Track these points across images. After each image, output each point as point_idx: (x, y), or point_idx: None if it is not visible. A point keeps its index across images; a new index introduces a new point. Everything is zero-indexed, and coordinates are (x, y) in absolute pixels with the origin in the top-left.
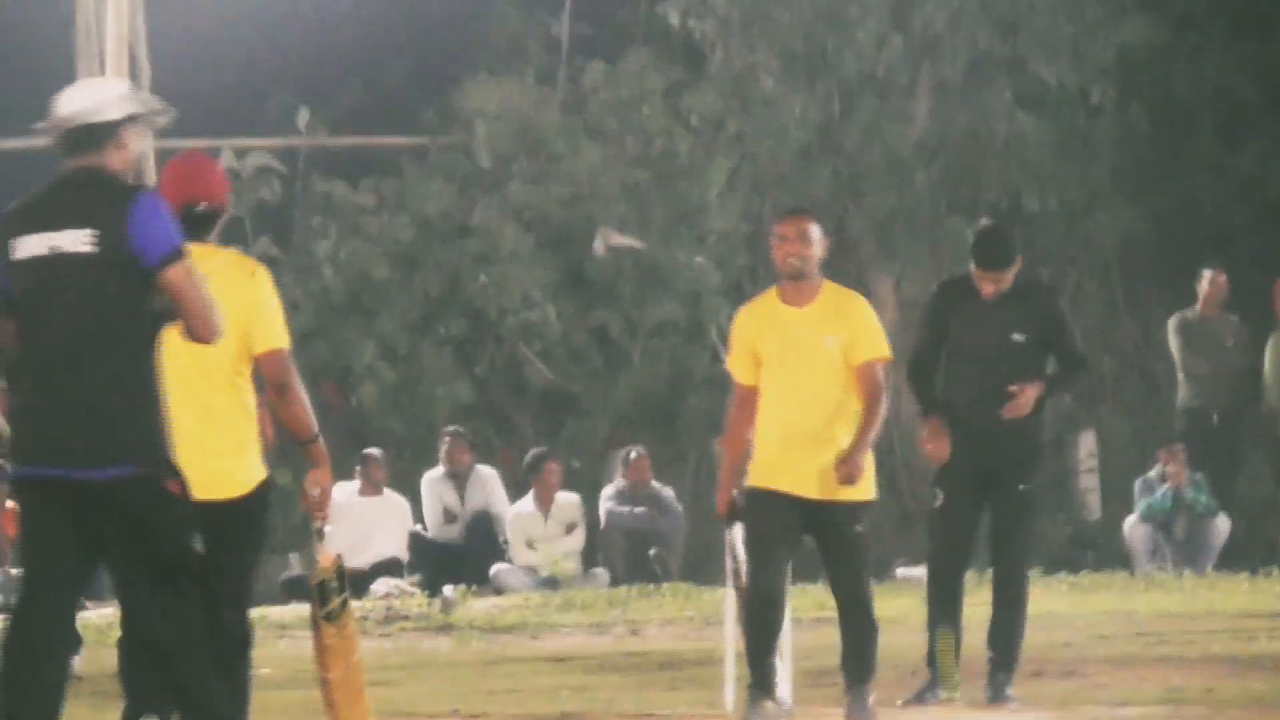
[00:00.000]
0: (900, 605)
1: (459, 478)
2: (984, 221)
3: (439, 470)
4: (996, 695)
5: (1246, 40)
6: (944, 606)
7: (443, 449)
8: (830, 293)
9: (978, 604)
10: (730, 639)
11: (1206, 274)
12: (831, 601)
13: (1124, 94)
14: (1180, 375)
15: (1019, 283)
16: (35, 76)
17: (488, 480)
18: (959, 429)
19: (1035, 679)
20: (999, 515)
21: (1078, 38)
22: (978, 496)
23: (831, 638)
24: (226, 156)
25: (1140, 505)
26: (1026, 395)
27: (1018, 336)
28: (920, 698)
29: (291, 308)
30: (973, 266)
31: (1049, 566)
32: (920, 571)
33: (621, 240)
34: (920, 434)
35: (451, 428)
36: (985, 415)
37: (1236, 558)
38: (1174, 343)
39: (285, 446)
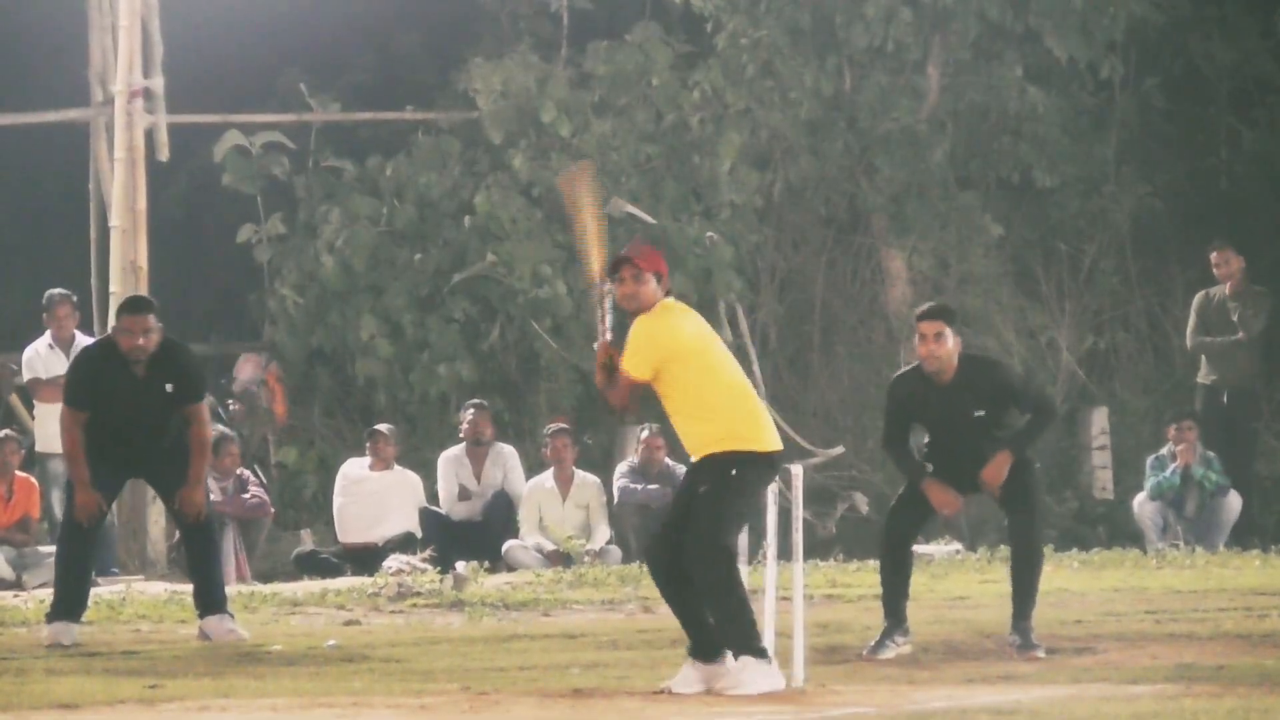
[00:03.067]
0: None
1: (480, 450)
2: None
3: (457, 448)
4: (1025, 643)
5: (1260, 13)
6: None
7: (465, 421)
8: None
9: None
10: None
11: (1213, 254)
12: (842, 579)
13: (1137, 68)
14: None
15: (964, 363)
16: (49, 52)
17: (508, 458)
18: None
19: (1046, 656)
20: (1004, 494)
21: (1088, 12)
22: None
23: (841, 614)
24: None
25: (1149, 482)
26: (1000, 465)
27: (979, 413)
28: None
29: (300, 284)
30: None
31: (1060, 544)
32: (930, 549)
33: (631, 209)
34: (929, 497)
35: (474, 400)
36: (968, 480)
37: (1249, 535)
38: (1191, 320)
39: (293, 425)
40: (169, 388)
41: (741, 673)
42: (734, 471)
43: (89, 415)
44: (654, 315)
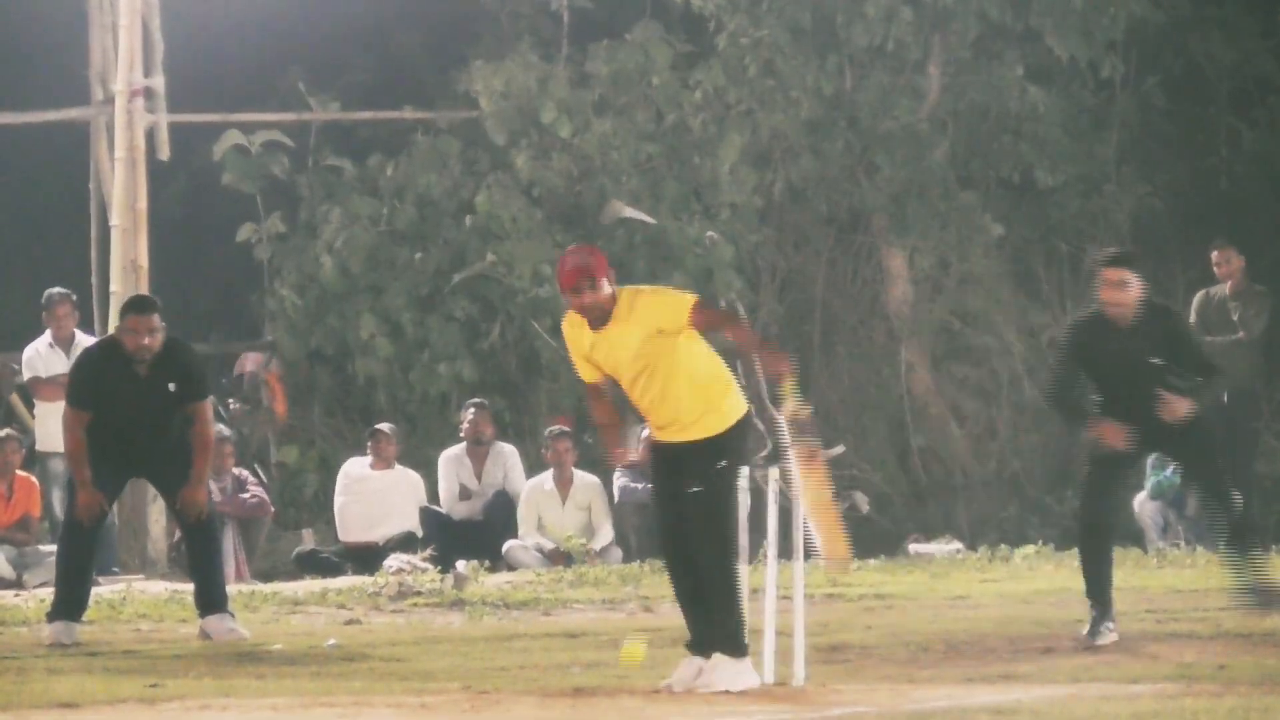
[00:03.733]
0: (912, 581)
1: (481, 449)
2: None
3: (458, 447)
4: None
5: (1260, 13)
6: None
7: (466, 420)
8: None
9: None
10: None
11: (1214, 253)
12: (843, 579)
13: (1138, 68)
14: None
15: (1144, 308)
16: (49, 51)
17: (509, 458)
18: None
19: (1047, 655)
20: (1180, 453)
21: (1088, 11)
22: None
23: (841, 614)
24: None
25: (1150, 482)
26: (1179, 403)
27: (1156, 360)
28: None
29: (300, 283)
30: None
31: (1061, 543)
32: (932, 548)
33: (630, 212)
34: (1100, 433)
35: (475, 400)
36: (1139, 431)
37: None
38: (1191, 320)
39: (293, 424)
40: (172, 387)
41: (716, 670)
42: (723, 464)
43: (92, 415)
44: (642, 291)
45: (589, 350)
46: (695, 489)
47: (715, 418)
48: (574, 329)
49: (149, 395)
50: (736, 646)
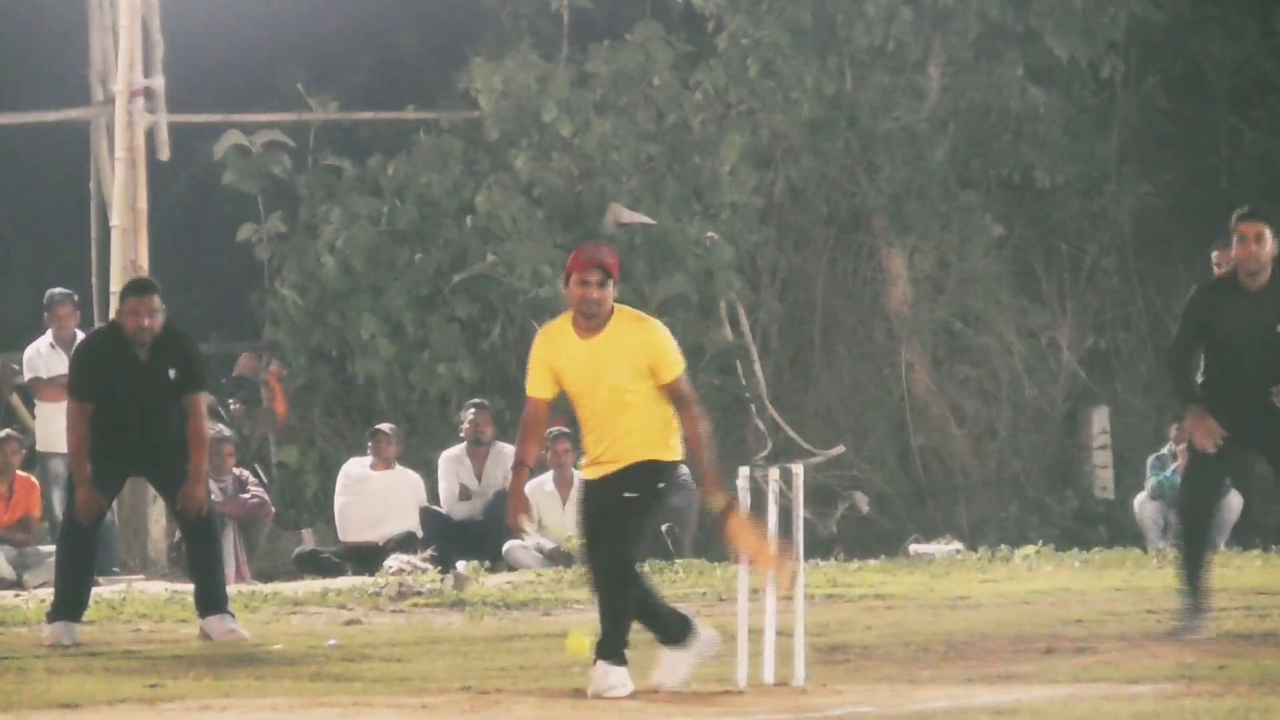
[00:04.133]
0: (912, 581)
1: (481, 450)
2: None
3: (458, 447)
4: None
5: (1260, 12)
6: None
7: (466, 421)
8: None
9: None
10: (743, 615)
11: (1214, 252)
12: (843, 579)
13: (1138, 68)
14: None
15: (1276, 277)
16: (50, 51)
17: (509, 458)
18: (1225, 413)
19: (1047, 655)
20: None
21: (1088, 11)
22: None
23: (841, 614)
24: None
25: (1150, 482)
26: None
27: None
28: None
29: (301, 284)
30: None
31: (1061, 543)
32: (932, 548)
33: (632, 217)
34: (1193, 424)
35: (475, 400)
36: (1254, 403)
37: (1249, 534)
38: None
39: (293, 424)
40: (172, 374)
41: (597, 675)
42: (661, 485)
43: (95, 406)
44: (650, 320)
45: (559, 358)
46: (630, 494)
47: (659, 449)
48: (550, 337)
49: (150, 382)
50: (615, 653)
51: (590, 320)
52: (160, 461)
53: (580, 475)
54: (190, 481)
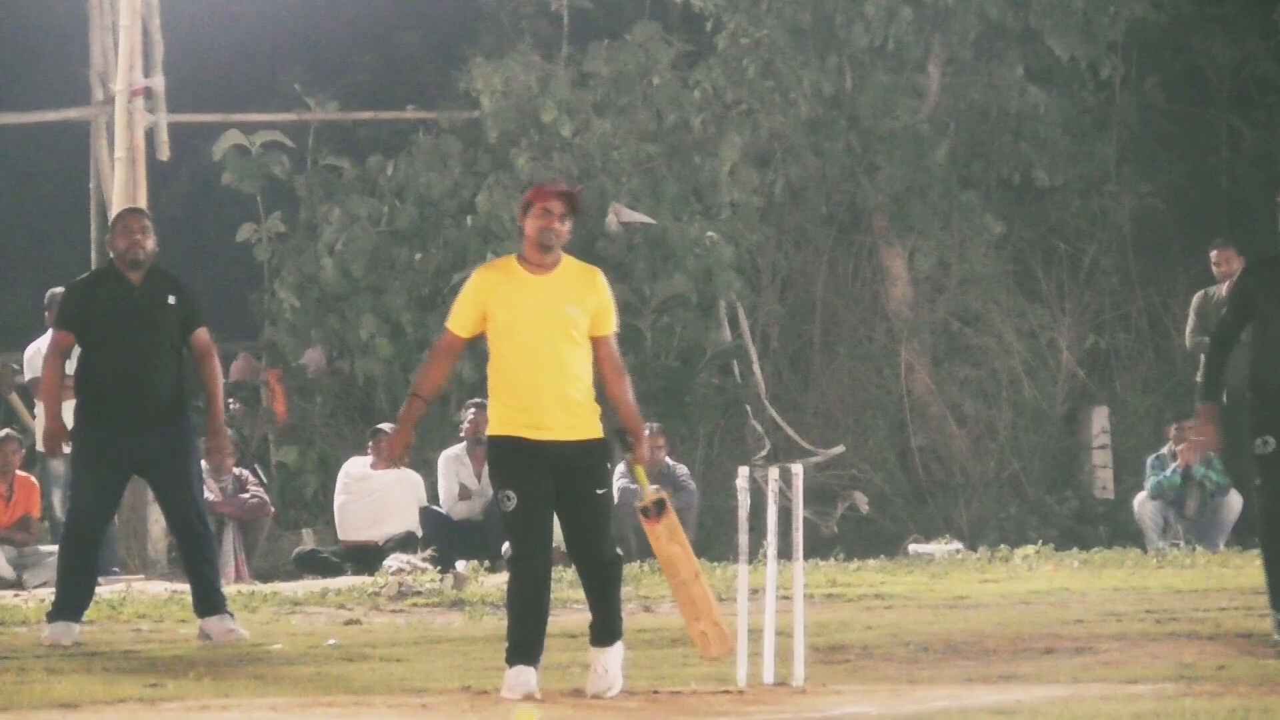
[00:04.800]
0: (912, 581)
1: (481, 449)
2: None
3: (458, 447)
4: None
5: (1260, 13)
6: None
7: (466, 420)
8: None
9: (989, 580)
10: (743, 615)
11: (1213, 252)
12: (842, 579)
13: (1138, 68)
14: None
15: None
16: (50, 51)
17: None
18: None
19: (1047, 655)
20: None
21: (1088, 11)
22: None
23: (841, 614)
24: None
25: (1149, 482)
26: None
27: None
28: None
29: (300, 284)
30: None
31: (1061, 543)
32: (932, 548)
33: (632, 216)
34: (1198, 420)
35: (475, 400)
36: None
37: (1250, 534)
38: (1190, 320)
39: (293, 424)
40: (171, 300)
41: (596, 674)
42: (611, 467)
43: (95, 348)
44: (597, 269)
45: (499, 294)
46: (600, 491)
47: (595, 421)
48: (493, 272)
49: (147, 310)
50: (615, 633)
51: (547, 254)
52: (161, 460)
53: (505, 433)
54: (212, 431)
